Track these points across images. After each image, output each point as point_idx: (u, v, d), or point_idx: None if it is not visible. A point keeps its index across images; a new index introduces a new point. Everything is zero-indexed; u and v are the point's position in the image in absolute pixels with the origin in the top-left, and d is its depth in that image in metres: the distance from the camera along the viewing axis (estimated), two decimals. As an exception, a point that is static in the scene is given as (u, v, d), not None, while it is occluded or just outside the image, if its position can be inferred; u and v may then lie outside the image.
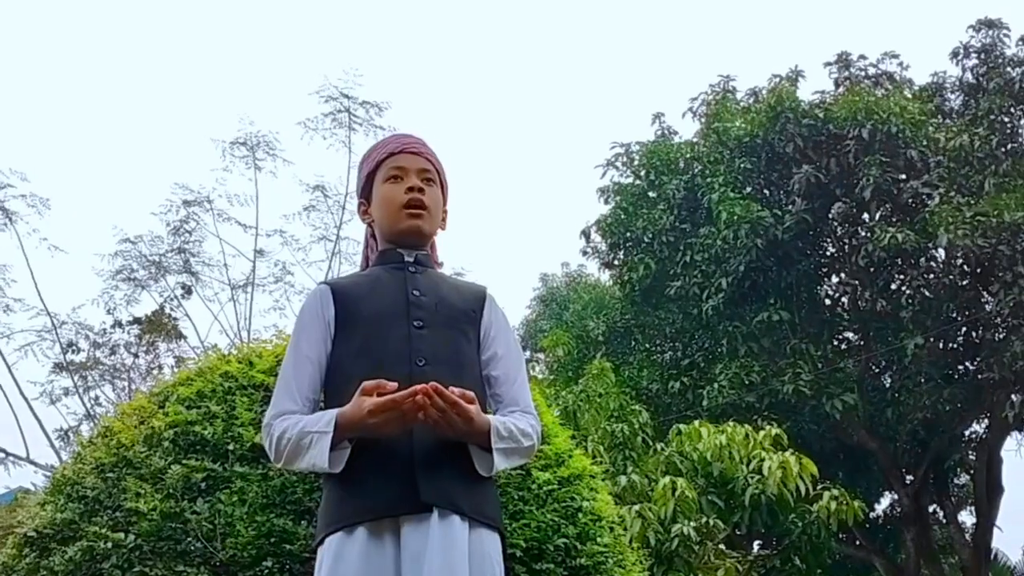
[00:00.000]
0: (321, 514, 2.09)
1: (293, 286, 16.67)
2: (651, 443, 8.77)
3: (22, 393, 16.02)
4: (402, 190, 2.28)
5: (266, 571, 3.51)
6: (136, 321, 17.02)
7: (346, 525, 1.97)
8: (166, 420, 4.03)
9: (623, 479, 7.88)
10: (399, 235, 2.30)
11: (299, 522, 3.64)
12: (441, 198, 2.38)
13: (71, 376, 16.28)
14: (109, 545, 3.62)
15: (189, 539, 3.59)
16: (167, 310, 17.13)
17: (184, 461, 3.81)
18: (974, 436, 14.74)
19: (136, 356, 17.04)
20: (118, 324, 16.90)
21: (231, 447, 3.86)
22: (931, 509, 14.88)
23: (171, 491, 3.73)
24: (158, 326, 16.94)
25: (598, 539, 3.99)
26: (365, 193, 2.40)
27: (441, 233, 2.43)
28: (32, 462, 14.68)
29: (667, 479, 7.52)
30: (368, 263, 2.42)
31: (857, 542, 14.47)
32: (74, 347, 16.55)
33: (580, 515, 3.99)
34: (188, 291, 16.99)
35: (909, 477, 14.26)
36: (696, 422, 8.64)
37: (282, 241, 16.48)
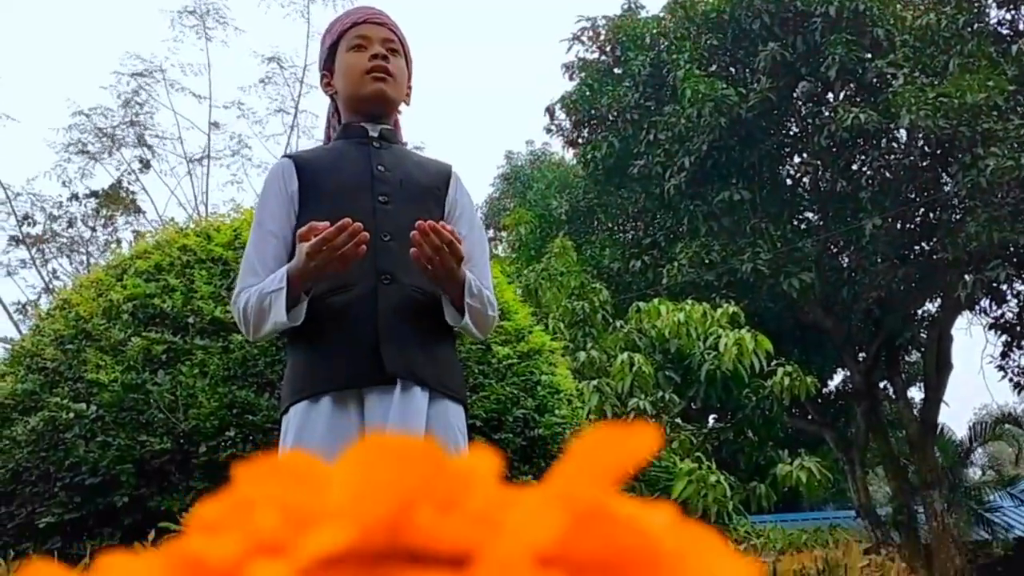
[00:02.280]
0: (286, 383, 2.10)
1: (251, 160, 16.45)
2: (611, 321, 8.88)
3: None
4: (366, 57, 2.24)
5: (229, 441, 3.56)
6: (93, 195, 16.75)
7: (311, 395, 1.98)
8: (124, 293, 4.01)
9: (582, 355, 8.00)
10: (363, 101, 2.26)
11: (261, 394, 3.68)
12: (405, 69, 2.34)
13: (28, 249, 16.08)
14: (71, 416, 3.64)
15: (151, 410, 3.62)
16: (125, 184, 16.85)
17: (144, 334, 3.81)
18: (926, 315, 15.08)
19: (94, 230, 16.83)
20: (75, 197, 16.63)
21: (191, 320, 3.86)
22: (882, 385, 15.30)
23: (132, 363, 3.74)
24: (115, 200, 16.68)
25: (556, 411, 4.08)
26: (328, 65, 2.35)
27: (405, 109, 2.39)
28: (-9, 336, 14.61)
29: (625, 355, 7.65)
30: (330, 139, 2.38)
31: (809, 416, 14.90)
32: (30, 220, 16.31)
33: (539, 388, 4.07)
34: (146, 165, 16.71)
35: (862, 355, 14.61)
36: (655, 300, 8.75)
37: (239, 114, 16.23)
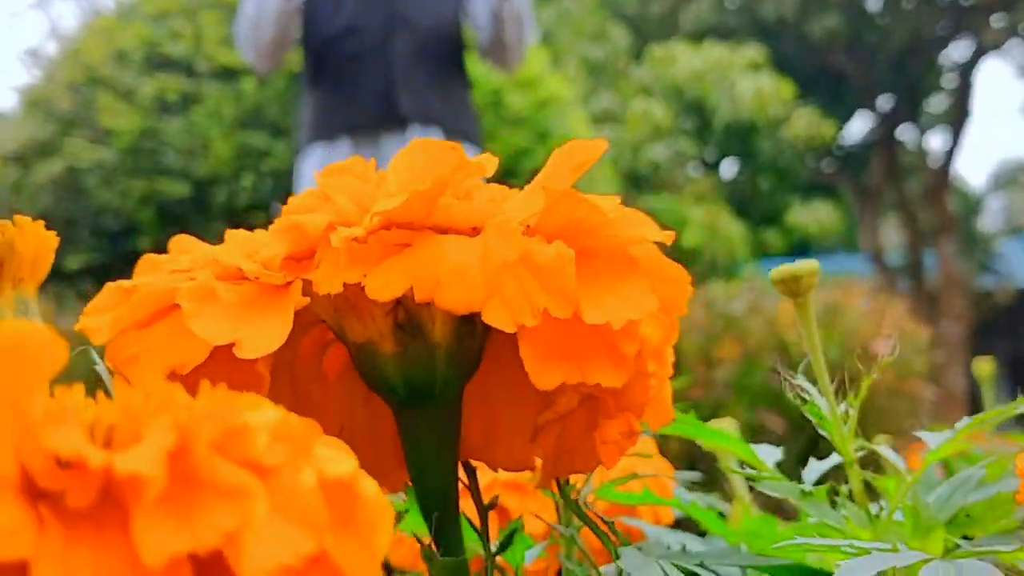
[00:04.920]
0: (302, 127, 2.12)
1: None
2: (627, 67, 8.70)
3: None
4: None
5: (246, 187, 3.60)
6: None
7: (328, 138, 2.01)
8: (133, 39, 3.94)
9: (598, 103, 7.90)
10: None
11: (276, 139, 3.69)
12: None
13: (30, -8, 15.63)
14: (90, 162, 3.68)
15: (167, 155, 3.64)
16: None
17: (156, 78, 3.78)
18: (951, 63, 14.68)
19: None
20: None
21: (201, 66, 3.81)
22: (901, 134, 15.14)
23: (145, 108, 3.73)
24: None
25: (570, 159, 4.09)
26: None
27: None
28: None
29: (641, 103, 7.54)
30: None
31: (827, 164, 14.85)
32: (30, -39, 15.74)
33: (552, 138, 4.05)
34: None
35: (883, 103, 14.37)
36: (673, 43, 8.52)
37: None
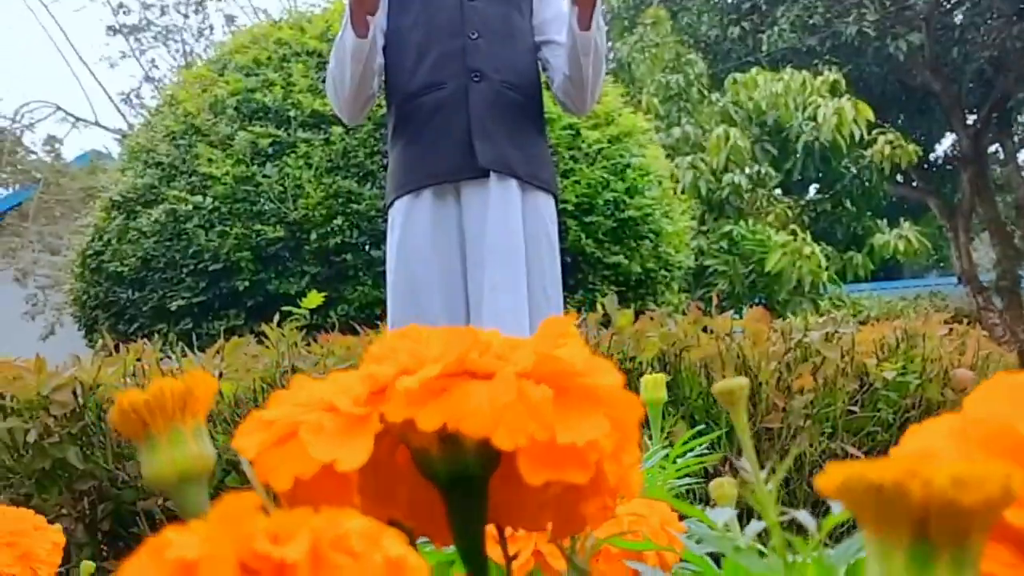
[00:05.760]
0: (389, 179, 2.27)
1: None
2: (706, 94, 8.75)
3: (81, 59, 16.28)
4: None
5: (336, 228, 3.78)
6: (183, -21, 16.73)
7: (413, 189, 2.15)
8: (227, 88, 4.17)
9: (677, 131, 7.97)
10: None
11: (363, 184, 3.87)
12: None
13: (125, 39, 16.34)
14: (190, 207, 3.90)
15: (262, 200, 3.85)
16: (214, -33, 16.79)
17: (249, 128, 3.99)
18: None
19: (186, 16, 16.92)
20: (165, -17, 16.65)
21: (292, 113, 4.02)
22: (991, 150, 14.82)
23: (240, 156, 3.95)
24: (206, -17, 16.65)
25: (646, 192, 4.18)
26: None
27: None
28: (101, 125, 15.15)
29: (721, 129, 7.59)
30: None
31: (914, 183, 14.61)
32: (125, 8, 16.46)
33: (628, 171, 4.16)
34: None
35: (971, 118, 14.09)
36: (753, 70, 8.55)
37: None
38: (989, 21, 12.44)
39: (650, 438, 0.74)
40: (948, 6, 13.56)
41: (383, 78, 2.26)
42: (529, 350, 0.33)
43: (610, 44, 10.36)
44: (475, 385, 0.32)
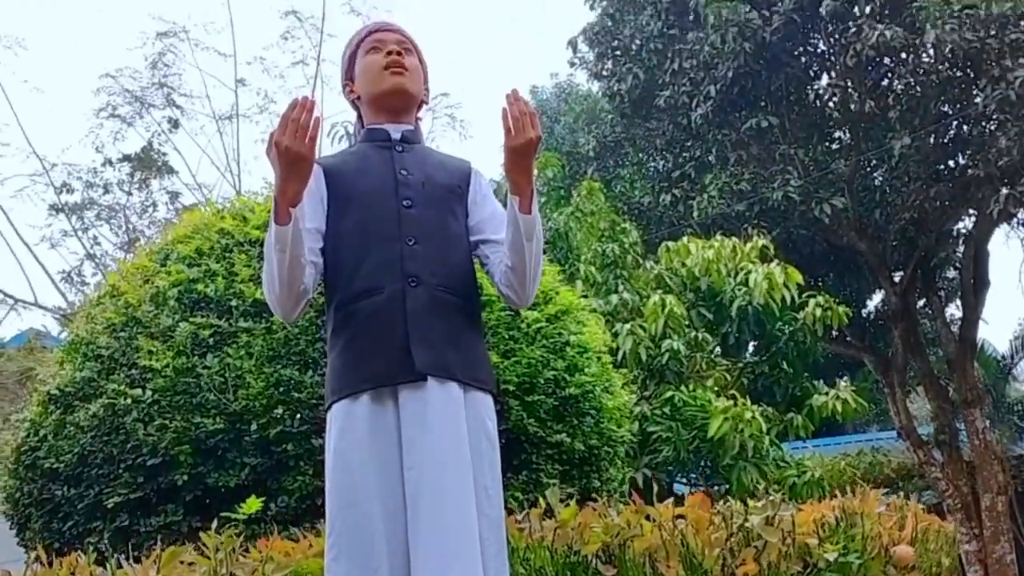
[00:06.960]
0: (328, 382, 2.28)
1: (278, 115, 16.51)
2: (641, 260, 8.99)
3: (22, 239, 16.25)
4: (382, 55, 2.41)
5: (278, 418, 3.76)
6: (126, 158, 16.98)
7: (350, 393, 2.16)
8: (169, 279, 4.20)
9: (615, 298, 8.13)
10: (384, 96, 2.41)
11: (305, 372, 3.87)
12: (420, 68, 2.49)
13: (68, 218, 16.41)
14: (129, 401, 3.86)
15: (203, 392, 3.83)
16: (155, 146, 17.07)
17: (190, 319, 4.00)
18: (961, 232, 14.97)
19: (129, 194, 17.08)
20: (108, 162, 16.88)
21: (233, 303, 4.05)
22: (919, 305, 15.28)
23: (181, 348, 3.94)
24: (148, 163, 16.90)
25: (585, 369, 4.24)
26: (349, 75, 2.52)
27: (425, 105, 2.56)
28: (40, 306, 15.02)
29: (657, 296, 7.76)
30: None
31: (847, 340, 14.94)
32: (68, 188, 16.59)
33: (568, 348, 4.23)
34: (175, 124, 16.89)
35: (898, 275, 14.58)
36: (684, 238, 8.83)
37: (262, 69, 16.28)
38: (907, 184, 13.04)
39: None
40: (867, 169, 14.22)
41: (320, 278, 2.31)
42: None
43: (546, 219, 10.66)
44: None
